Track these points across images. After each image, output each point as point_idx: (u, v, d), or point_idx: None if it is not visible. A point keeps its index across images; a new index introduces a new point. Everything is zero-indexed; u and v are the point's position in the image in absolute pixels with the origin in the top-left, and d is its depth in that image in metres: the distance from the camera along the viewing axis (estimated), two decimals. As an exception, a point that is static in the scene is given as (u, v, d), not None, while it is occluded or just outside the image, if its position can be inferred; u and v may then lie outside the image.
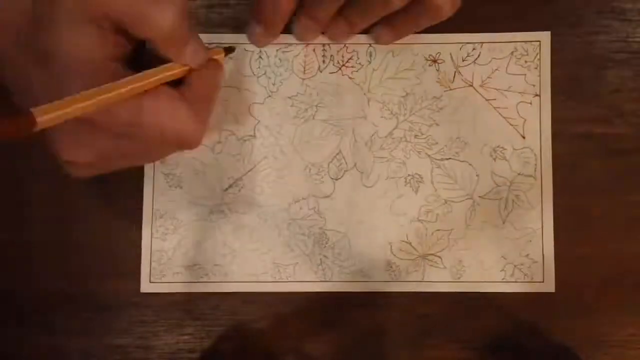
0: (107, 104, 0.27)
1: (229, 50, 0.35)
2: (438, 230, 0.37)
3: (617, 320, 0.37)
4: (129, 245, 0.37)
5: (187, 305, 0.37)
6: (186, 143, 0.31)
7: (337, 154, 0.37)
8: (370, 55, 0.37)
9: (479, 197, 0.37)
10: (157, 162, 0.37)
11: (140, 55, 0.31)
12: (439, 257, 0.37)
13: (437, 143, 0.37)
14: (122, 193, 0.37)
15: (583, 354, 0.36)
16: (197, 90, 0.31)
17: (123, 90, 0.27)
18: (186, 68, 0.31)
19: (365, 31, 0.37)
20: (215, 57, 0.33)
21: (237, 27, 0.37)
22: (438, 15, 0.34)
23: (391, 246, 0.37)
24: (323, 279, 0.37)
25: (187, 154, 0.37)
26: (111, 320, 0.37)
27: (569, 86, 0.37)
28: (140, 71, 0.29)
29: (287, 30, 0.37)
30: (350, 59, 0.37)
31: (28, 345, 0.37)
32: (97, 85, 0.27)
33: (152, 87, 0.29)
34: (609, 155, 0.37)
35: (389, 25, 0.36)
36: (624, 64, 0.37)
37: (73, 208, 0.37)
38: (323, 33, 0.37)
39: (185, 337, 0.37)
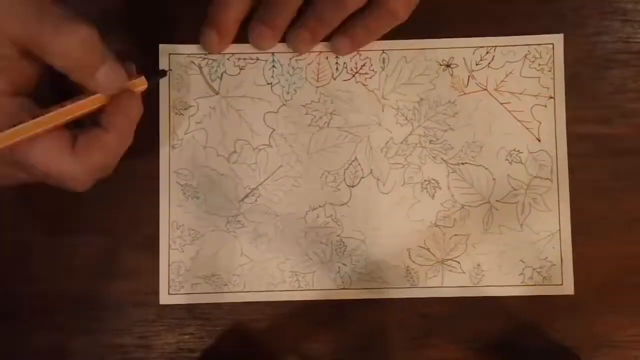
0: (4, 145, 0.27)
1: (157, 75, 0.34)
2: (456, 235, 0.37)
3: (618, 321, 0.37)
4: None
5: (188, 305, 0.37)
6: (68, 185, 0.30)
7: (353, 161, 0.37)
8: (384, 62, 0.37)
9: (496, 201, 0.37)
10: (173, 174, 0.37)
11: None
12: (458, 262, 0.37)
13: (452, 148, 0.37)
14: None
15: (583, 354, 0.36)
16: (110, 124, 0.30)
17: (24, 135, 0.27)
18: (97, 98, 0.30)
19: (373, 37, 0.37)
20: (138, 86, 0.31)
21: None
22: (393, 19, 0.35)
23: (409, 252, 0.37)
24: (342, 287, 0.37)
25: (202, 164, 0.37)
26: (111, 320, 0.37)
27: (571, 86, 0.37)
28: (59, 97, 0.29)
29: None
30: (363, 65, 0.37)
31: (28, 345, 0.37)
32: None
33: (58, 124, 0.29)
34: (610, 155, 0.37)
35: (346, 35, 0.36)
36: (625, 65, 0.38)
37: (74, 208, 0.37)
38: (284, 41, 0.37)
39: (186, 336, 0.37)
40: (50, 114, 0.29)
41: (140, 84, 0.32)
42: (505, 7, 0.38)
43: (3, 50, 0.27)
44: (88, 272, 0.37)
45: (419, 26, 0.37)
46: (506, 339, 0.37)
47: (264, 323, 0.37)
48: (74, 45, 0.27)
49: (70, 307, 0.37)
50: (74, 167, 0.29)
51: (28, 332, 0.37)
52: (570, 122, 0.37)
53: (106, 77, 0.29)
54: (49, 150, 0.28)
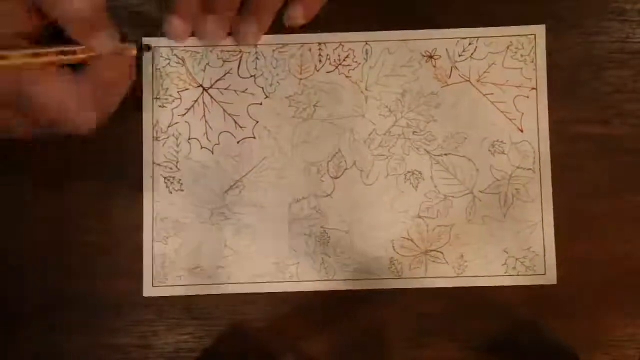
0: None
1: (143, 48, 0.33)
2: (439, 226, 0.37)
3: (617, 320, 0.37)
4: (129, 246, 0.37)
5: (187, 305, 0.37)
6: (69, 120, 0.30)
7: (337, 152, 0.37)
8: (367, 53, 0.37)
9: (479, 191, 0.37)
10: (156, 166, 0.37)
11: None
12: (441, 252, 0.37)
13: (435, 139, 0.37)
14: (122, 195, 0.37)
15: (583, 353, 0.36)
16: (98, 73, 0.31)
17: (17, 62, 0.28)
18: (90, 54, 0.30)
19: (357, 28, 0.37)
20: (127, 53, 0.32)
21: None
22: None
23: (393, 243, 0.37)
24: (326, 278, 0.37)
25: (186, 156, 0.37)
26: (111, 320, 0.37)
27: (569, 86, 0.37)
28: None
29: (281, 30, 0.37)
30: (346, 57, 0.38)
31: (28, 345, 0.37)
32: None
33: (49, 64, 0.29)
34: (608, 155, 0.37)
35: (299, 2, 0.32)
36: (623, 65, 0.38)
37: (73, 208, 0.37)
38: (230, 34, 0.33)
39: (185, 336, 0.37)
40: (51, 49, 0.29)
41: (130, 51, 0.32)
42: (504, 7, 0.38)
43: (15, 5, 0.29)
44: (86, 271, 0.37)
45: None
46: (504, 338, 0.37)
47: (262, 323, 0.37)
48: (85, 6, 0.29)
49: (69, 307, 0.37)
50: (75, 88, 0.29)
51: (27, 332, 0.37)
52: (568, 122, 0.37)
53: (105, 40, 0.30)
54: (50, 77, 0.29)
